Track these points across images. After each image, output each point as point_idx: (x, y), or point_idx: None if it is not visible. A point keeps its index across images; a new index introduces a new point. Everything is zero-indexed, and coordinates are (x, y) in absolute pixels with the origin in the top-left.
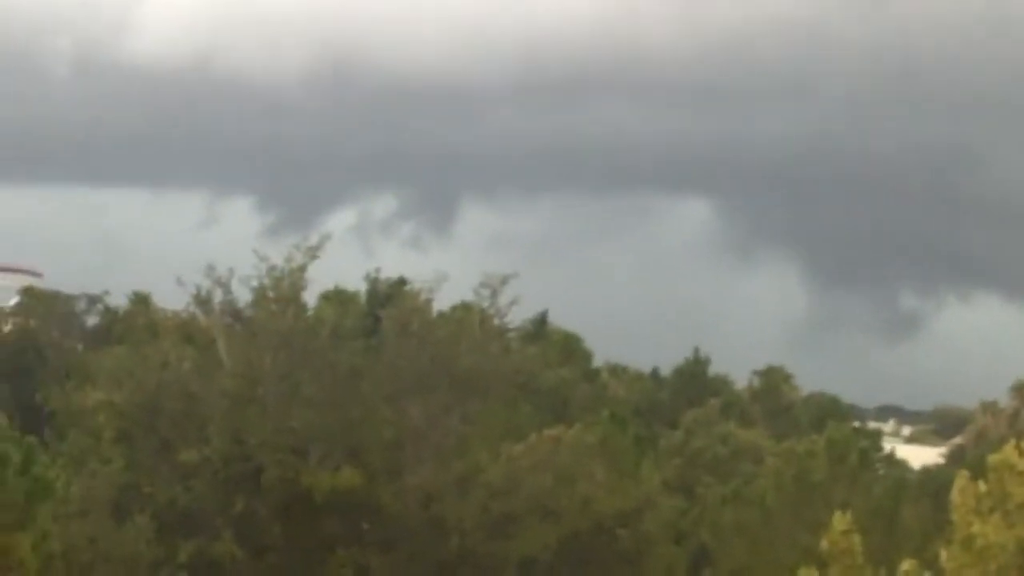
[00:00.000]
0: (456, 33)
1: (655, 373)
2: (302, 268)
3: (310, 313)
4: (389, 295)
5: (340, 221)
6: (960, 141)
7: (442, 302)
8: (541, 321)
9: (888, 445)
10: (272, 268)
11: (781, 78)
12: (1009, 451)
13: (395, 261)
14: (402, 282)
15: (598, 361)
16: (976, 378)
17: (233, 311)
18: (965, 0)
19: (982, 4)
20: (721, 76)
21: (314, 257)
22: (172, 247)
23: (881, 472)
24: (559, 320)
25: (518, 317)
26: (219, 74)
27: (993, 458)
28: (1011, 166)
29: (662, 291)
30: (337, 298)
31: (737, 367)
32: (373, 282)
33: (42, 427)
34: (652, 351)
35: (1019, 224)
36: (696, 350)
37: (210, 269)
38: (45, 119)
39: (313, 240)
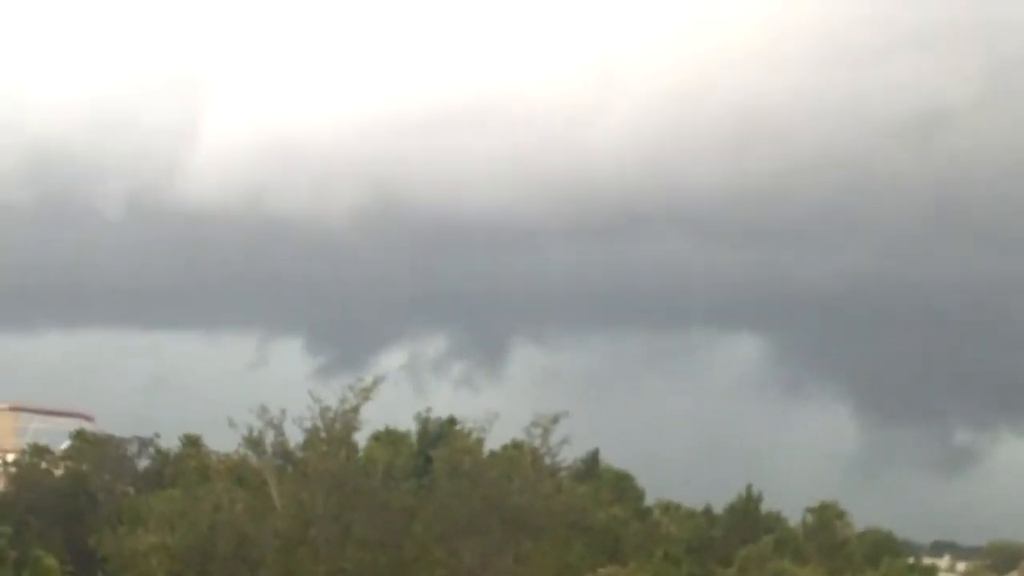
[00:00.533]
0: (506, 171)
1: (707, 511)
2: (355, 409)
3: (361, 454)
4: (440, 435)
5: (391, 361)
6: (1010, 273)
7: (493, 441)
8: (593, 460)
9: None
10: (325, 409)
11: (830, 214)
12: None
13: (446, 400)
14: (452, 422)
15: (650, 499)
16: None
17: (284, 452)
18: (1011, 134)
19: (1017, 144)
20: (770, 213)
21: (367, 398)
22: (223, 389)
23: None
24: (610, 458)
25: (569, 456)
26: (269, 214)
27: None
28: None
29: (714, 428)
30: (388, 438)
31: (790, 504)
32: (424, 422)
33: (95, 571)
34: (704, 489)
35: None
36: (749, 487)
37: (262, 411)
38: (98, 263)
39: (366, 381)
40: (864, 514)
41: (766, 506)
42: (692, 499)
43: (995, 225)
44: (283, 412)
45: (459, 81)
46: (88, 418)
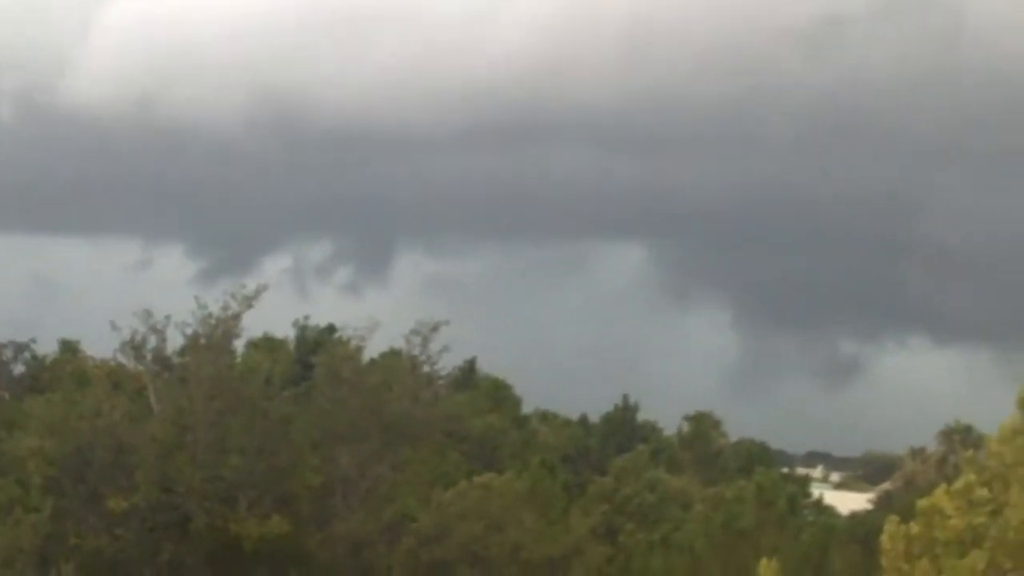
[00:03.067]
0: (399, 77)
1: (584, 420)
2: (237, 316)
3: (239, 360)
4: (318, 342)
5: (275, 266)
6: (898, 188)
7: (376, 347)
8: (471, 368)
9: (817, 491)
10: (207, 315)
11: (721, 126)
12: (939, 495)
13: (330, 306)
14: (331, 329)
15: (528, 408)
16: (905, 424)
17: (163, 358)
18: (907, 51)
19: (924, 54)
20: (661, 122)
21: (250, 306)
22: (105, 293)
23: (809, 518)
24: (491, 367)
25: (449, 364)
26: (160, 118)
27: (922, 503)
28: (947, 213)
29: (595, 338)
30: (266, 345)
31: (670, 413)
32: (303, 329)
33: None
34: (585, 398)
35: (952, 270)
36: (625, 397)
37: (146, 315)
38: None
39: (250, 288)
40: (742, 424)
41: (646, 415)
42: (572, 408)
43: (887, 138)
44: (167, 318)
45: None
46: None
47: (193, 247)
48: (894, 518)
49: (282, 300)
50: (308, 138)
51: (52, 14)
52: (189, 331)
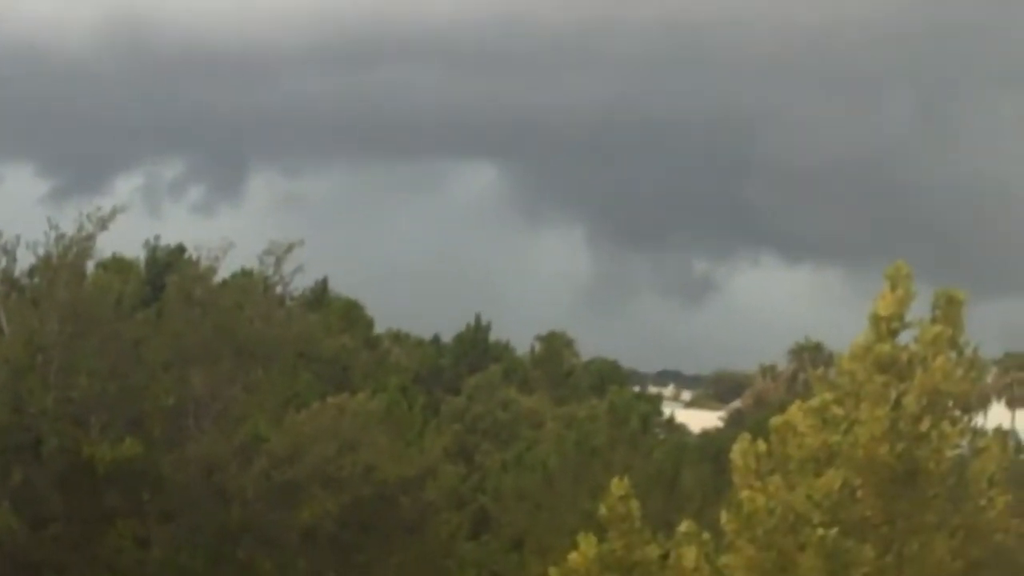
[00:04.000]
0: (247, 1)
1: (436, 340)
2: (91, 238)
3: (90, 282)
4: (168, 263)
5: (127, 185)
6: (745, 104)
7: (229, 266)
8: (322, 288)
9: (668, 410)
10: (60, 236)
11: (568, 45)
12: (793, 412)
13: (183, 225)
14: (182, 249)
15: (381, 328)
16: (756, 342)
17: (12, 279)
18: None
19: None
20: (507, 41)
21: (104, 228)
22: None
23: (661, 437)
24: (343, 287)
25: (301, 284)
26: (6, 36)
27: (775, 420)
28: (796, 129)
29: (448, 257)
30: (116, 266)
31: (522, 333)
32: (153, 250)
33: None
34: (437, 318)
35: (802, 188)
36: (477, 316)
37: None
38: None
39: (105, 209)
40: (595, 344)
41: (499, 335)
42: (425, 329)
43: (728, 58)
44: (17, 238)
45: None
46: None
47: (44, 167)
48: (745, 435)
49: (134, 220)
50: (159, 58)
51: None
52: (41, 251)
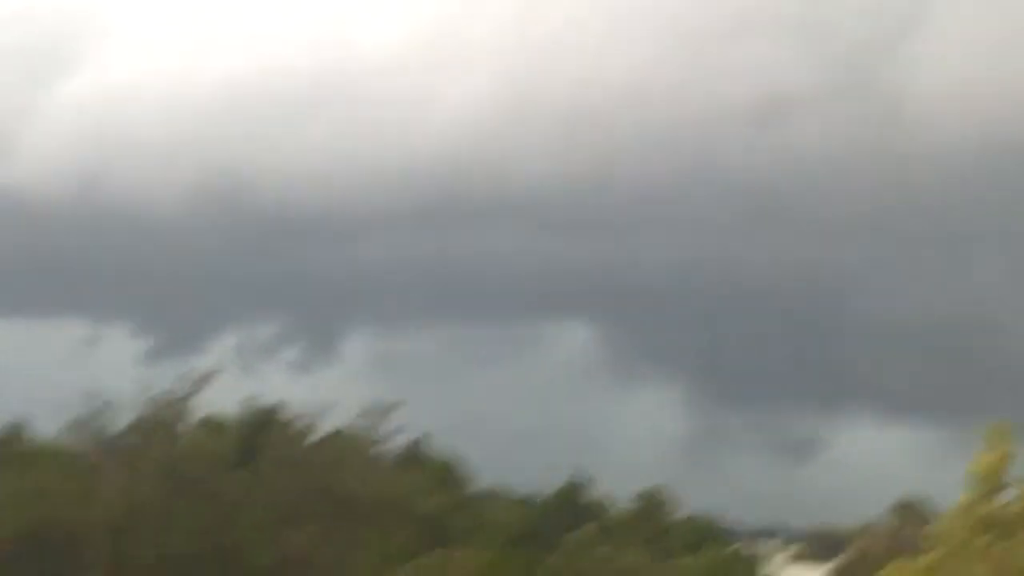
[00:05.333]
0: (340, 161)
1: (532, 498)
2: (185, 399)
3: (185, 441)
4: (264, 423)
5: (222, 344)
6: (840, 264)
7: (323, 428)
8: (418, 447)
9: (769, 567)
10: (155, 397)
11: (660, 204)
12: (890, 571)
13: (278, 385)
14: (276, 409)
15: (477, 487)
16: (856, 499)
17: (110, 440)
18: (847, 132)
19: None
20: (597, 200)
21: (199, 390)
22: (50, 377)
23: None
24: (438, 447)
25: (395, 444)
26: (103, 199)
27: None
28: (887, 286)
29: (543, 415)
30: (212, 426)
31: (619, 491)
32: (248, 409)
33: None
34: (533, 476)
35: (895, 343)
36: (574, 474)
37: (89, 397)
38: None
39: (200, 371)
40: (693, 500)
41: (596, 492)
42: (521, 487)
43: (823, 218)
44: (109, 399)
45: (291, 63)
46: None
47: (139, 327)
48: None
49: (229, 379)
50: (251, 219)
51: None
52: (136, 412)
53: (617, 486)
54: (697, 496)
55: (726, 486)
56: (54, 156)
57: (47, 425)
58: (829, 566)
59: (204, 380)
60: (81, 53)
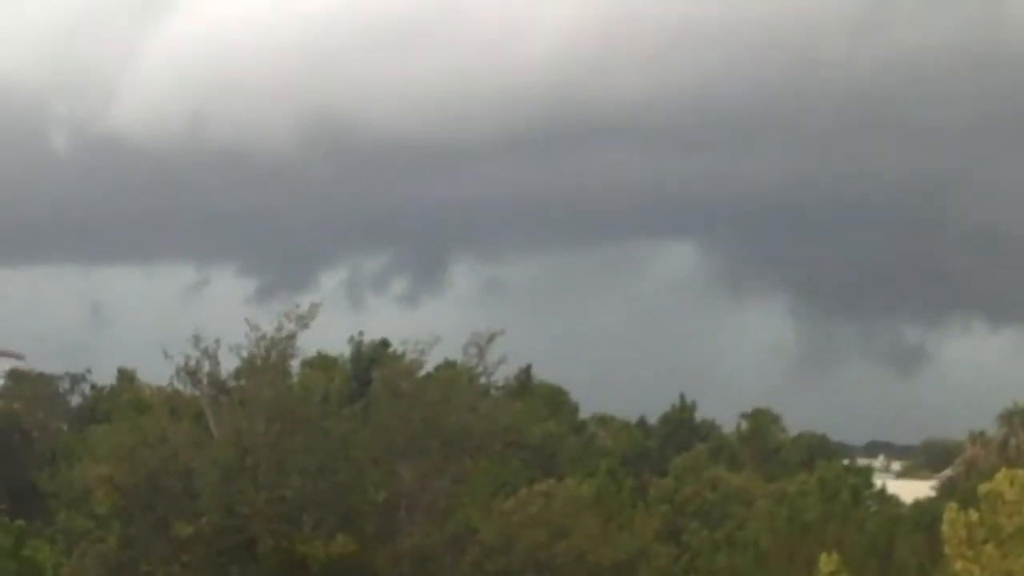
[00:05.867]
0: (439, 90)
1: (642, 422)
2: (291, 336)
3: (296, 379)
4: (374, 358)
5: (330, 281)
6: (937, 170)
7: (432, 360)
8: (526, 375)
9: (879, 481)
10: (261, 337)
11: (758, 117)
12: (999, 480)
13: (388, 316)
14: (386, 344)
15: (586, 412)
16: (965, 409)
17: (219, 382)
18: (948, 34)
19: (965, 38)
20: (699, 117)
21: (304, 326)
22: (160, 320)
23: (873, 509)
24: (547, 373)
25: (505, 372)
26: (207, 140)
27: (983, 488)
28: (995, 193)
29: (650, 337)
30: (321, 364)
31: (729, 409)
32: (358, 345)
33: (34, 510)
34: (641, 399)
35: (1004, 249)
36: (682, 396)
37: (197, 340)
38: (40, 196)
39: (303, 307)
40: (802, 415)
41: (704, 413)
42: (630, 411)
43: (925, 120)
44: (217, 342)
45: None
46: (19, 356)
47: (248, 266)
48: (953, 505)
49: (339, 315)
50: (356, 153)
51: (98, 38)
52: (244, 354)
53: (727, 404)
54: (807, 411)
55: (835, 400)
56: (159, 99)
57: (158, 371)
58: (939, 478)
59: (309, 316)
60: None
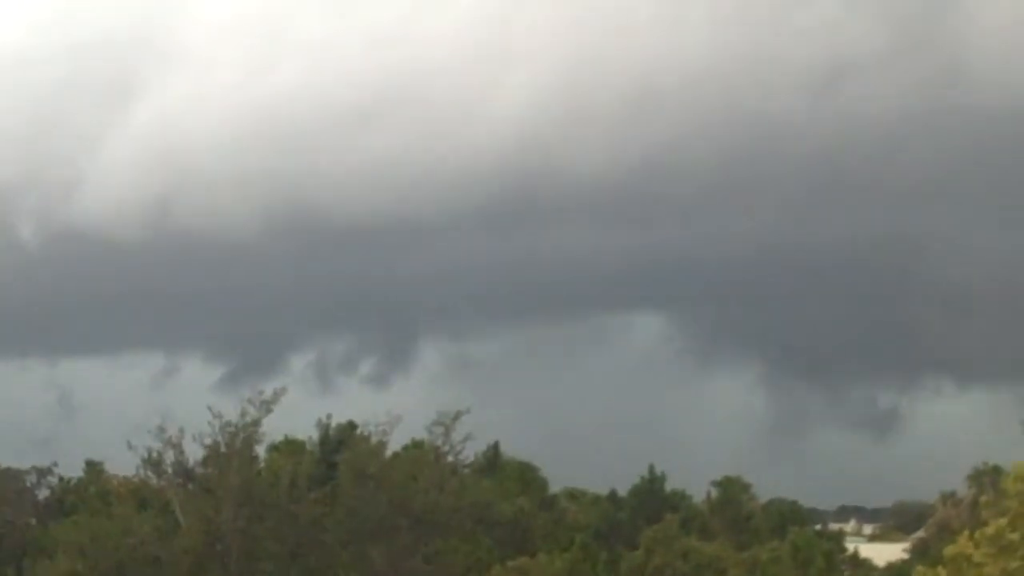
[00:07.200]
0: (400, 168)
1: (613, 494)
2: (256, 422)
3: (263, 465)
4: (341, 440)
5: (299, 362)
6: (903, 232)
7: (399, 439)
8: (495, 452)
9: (851, 545)
10: (225, 424)
11: (716, 185)
12: (963, 542)
13: (356, 398)
14: (353, 426)
15: (556, 486)
16: (935, 470)
17: (185, 471)
18: (906, 94)
19: (915, 101)
20: (659, 187)
21: (269, 411)
22: (127, 411)
23: (847, 573)
24: (516, 448)
25: (473, 449)
26: (172, 226)
27: (949, 550)
28: (952, 254)
29: (620, 409)
30: (289, 448)
31: (700, 478)
32: (325, 428)
33: None
34: (611, 471)
35: (973, 309)
36: (651, 467)
37: (159, 431)
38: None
39: (267, 393)
40: (772, 483)
41: (676, 483)
42: (600, 483)
43: (886, 183)
44: (181, 430)
45: (346, 70)
46: None
47: (215, 352)
48: (920, 568)
49: (308, 397)
50: (321, 234)
51: (63, 129)
52: (208, 441)
53: (698, 473)
54: (777, 478)
55: (805, 466)
56: (122, 187)
57: (126, 462)
58: (912, 540)
59: (273, 401)
60: (141, 79)
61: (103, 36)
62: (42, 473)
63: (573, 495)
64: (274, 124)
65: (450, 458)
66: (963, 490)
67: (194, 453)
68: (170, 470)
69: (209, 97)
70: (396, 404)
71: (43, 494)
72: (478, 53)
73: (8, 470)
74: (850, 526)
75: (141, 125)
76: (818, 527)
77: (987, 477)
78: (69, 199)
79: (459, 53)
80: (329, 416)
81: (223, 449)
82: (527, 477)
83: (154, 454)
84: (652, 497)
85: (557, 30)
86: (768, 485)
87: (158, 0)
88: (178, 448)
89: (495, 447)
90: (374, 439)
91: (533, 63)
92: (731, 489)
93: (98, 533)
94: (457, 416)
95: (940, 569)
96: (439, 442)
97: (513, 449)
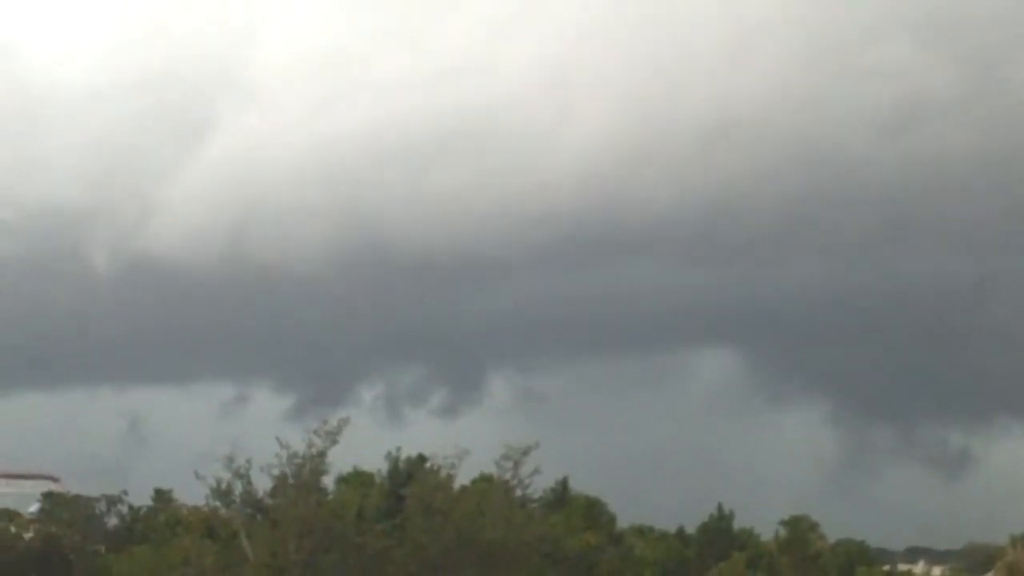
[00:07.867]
0: (473, 200)
1: (680, 531)
2: (322, 453)
3: (330, 496)
4: (410, 473)
5: (368, 393)
6: (972, 272)
7: (467, 472)
8: (563, 488)
9: None
10: (292, 455)
11: (786, 224)
12: None
13: (425, 429)
14: (422, 459)
15: (623, 523)
16: (1008, 512)
17: (253, 501)
18: (982, 135)
19: (999, 137)
20: (735, 224)
21: (334, 442)
22: (197, 441)
23: None
24: (586, 483)
25: (541, 484)
26: (243, 258)
27: None
28: (1019, 298)
29: (689, 447)
30: (357, 480)
31: (769, 517)
32: (394, 460)
33: None
34: (679, 509)
35: None
36: (719, 505)
37: (229, 461)
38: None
39: (332, 423)
40: (841, 522)
41: (744, 521)
42: (667, 521)
43: (961, 224)
44: (248, 461)
45: (420, 110)
46: (54, 479)
47: (285, 382)
48: None
49: (377, 428)
50: (391, 268)
51: (138, 160)
52: (276, 472)
53: (766, 512)
54: (846, 517)
55: (874, 506)
56: (196, 220)
57: (195, 491)
58: None
59: (337, 431)
60: (215, 114)
61: (177, 70)
62: (112, 501)
63: (641, 531)
64: (347, 158)
65: (518, 492)
66: None
67: (263, 483)
68: (238, 500)
69: (282, 131)
70: (464, 437)
71: (112, 522)
72: (550, 89)
73: (78, 497)
74: (919, 567)
75: (216, 158)
76: (886, 567)
77: None
78: (142, 230)
79: (530, 87)
80: (398, 449)
81: (291, 480)
82: (595, 512)
83: (223, 484)
84: (720, 535)
85: (628, 68)
86: (836, 525)
87: (232, 35)
88: (246, 479)
89: (563, 482)
90: (442, 472)
91: (604, 101)
92: (799, 528)
93: (156, 566)
94: (527, 451)
95: None
96: (507, 476)
97: (581, 484)
